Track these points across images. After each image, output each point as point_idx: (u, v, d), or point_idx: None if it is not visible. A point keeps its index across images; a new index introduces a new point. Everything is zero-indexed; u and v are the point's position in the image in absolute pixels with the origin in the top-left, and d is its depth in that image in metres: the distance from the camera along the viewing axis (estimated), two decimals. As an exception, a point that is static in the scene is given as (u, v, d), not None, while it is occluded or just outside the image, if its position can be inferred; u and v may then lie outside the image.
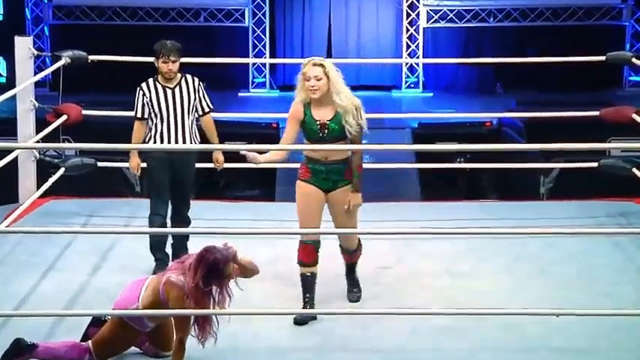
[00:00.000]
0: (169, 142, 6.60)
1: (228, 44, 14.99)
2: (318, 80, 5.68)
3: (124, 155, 10.03)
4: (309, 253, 5.86)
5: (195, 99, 6.69)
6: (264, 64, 15.09)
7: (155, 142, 6.61)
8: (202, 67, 14.07)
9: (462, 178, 11.98)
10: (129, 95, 14.13)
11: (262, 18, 15.10)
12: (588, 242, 7.15)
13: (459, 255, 7.04)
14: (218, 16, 14.98)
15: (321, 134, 5.74)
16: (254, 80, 15.16)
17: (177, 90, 6.65)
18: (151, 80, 6.68)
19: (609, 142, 10.34)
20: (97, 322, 5.34)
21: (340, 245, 6.09)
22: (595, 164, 8.13)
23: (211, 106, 6.79)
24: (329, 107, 5.74)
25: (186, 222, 6.74)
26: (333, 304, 6.06)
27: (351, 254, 6.12)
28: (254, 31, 15.10)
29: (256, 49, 15.08)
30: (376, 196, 8.85)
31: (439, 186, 11.15)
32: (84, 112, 8.30)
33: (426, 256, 7.05)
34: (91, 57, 8.18)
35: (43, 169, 8.18)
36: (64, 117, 8.00)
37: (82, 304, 6.12)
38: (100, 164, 8.16)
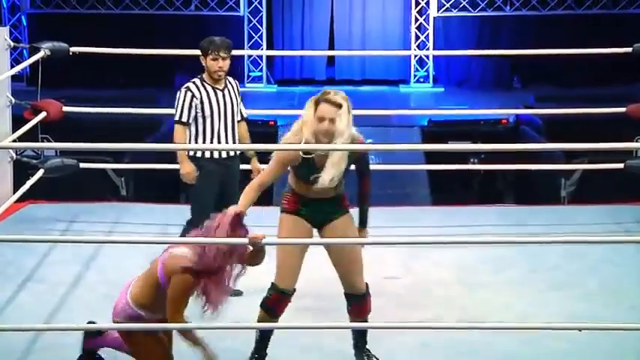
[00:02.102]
0: (223, 154, 6.51)
1: (222, 35, 14.82)
2: (334, 123, 5.20)
3: (108, 156, 10.10)
4: (284, 304, 5.39)
5: (237, 103, 6.63)
6: (260, 57, 15.08)
7: (210, 153, 6.49)
8: (193, 60, 14.17)
9: (475, 181, 11.97)
10: (113, 90, 14.24)
11: (259, 6, 15.09)
12: (613, 250, 7.15)
13: (472, 264, 7.04)
14: (210, 4, 14.98)
15: (312, 181, 5.28)
16: (250, 74, 15.15)
17: (226, 92, 6.58)
18: (197, 80, 6.58)
19: (636, 141, 10.34)
20: (93, 332, 5.29)
21: (345, 293, 5.47)
22: (621, 165, 8.13)
23: (246, 114, 6.77)
24: (331, 154, 5.25)
25: None
26: (334, 316, 6.05)
27: (360, 302, 5.46)
28: (250, 21, 15.10)
29: (252, 41, 15.07)
30: (383, 199, 8.86)
31: (451, 189, 11.14)
32: (64, 108, 8.30)
33: (437, 265, 7.05)
34: (73, 49, 8.18)
35: (20, 171, 8.18)
36: (43, 114, 8.00)
37: (62, 318, 6.11)
38: (82, 165, 8.16)
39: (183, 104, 6.54)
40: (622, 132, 9.30)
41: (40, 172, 7.93)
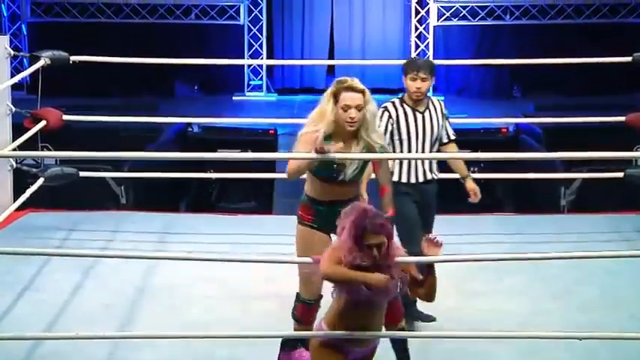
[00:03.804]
0: (417, 175, 6.18)
1: (222, 44, 14.97)
2: (360, 110, 5.16)
3: (108, 164, 10.10)
4: (311, 313, 5.34)
5: (441, 126, 6.23)
6: (260, 66, 15.07)
7: (400, 174, 6.16)
8: (194, 69, 14.20)
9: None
10: (113, 99, 14.22)
11: (259, 15, 15.09)
12: (613, 259, 7.12)
13: (470, 272, 7.02)
14: (211, 13, 14.97)
15: (335, 175, 5.19)
16: (250, 83, 15.14)
17: (427, 114, 6.17)
18: (397, 100, 6.20)
19: (636, 150, 10.33)
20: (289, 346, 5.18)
21: None
22: (621, 174, 8.13)
23: (454, 135, 6.34)
24: (351, 143, 5.21)
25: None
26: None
27: (391, 307, 5.04)
28: (250, 30, 15.10)
29: (252, 49, 15.07)
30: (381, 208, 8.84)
31: (450, 198, 11.11)
32: (64, 117, 8.28)
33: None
34: (73, 57, 8.17)
35: (20, 179, 8.18)
36: (43, 122, 7.99)
37: (62, 326, 6.10)
38: (82, 174, 8.14)
39: (379, 125, 6.03)
40: (622, 141, 9.29)
41: (40, 181, 7.92)
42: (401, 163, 6.19)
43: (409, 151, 6.15)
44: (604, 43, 13.10)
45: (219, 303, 6.56)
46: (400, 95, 6.26)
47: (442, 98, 14.83)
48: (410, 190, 6.17)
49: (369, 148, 5.24)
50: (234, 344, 5.67)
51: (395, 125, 6.14)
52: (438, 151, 6.28)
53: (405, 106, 6.17)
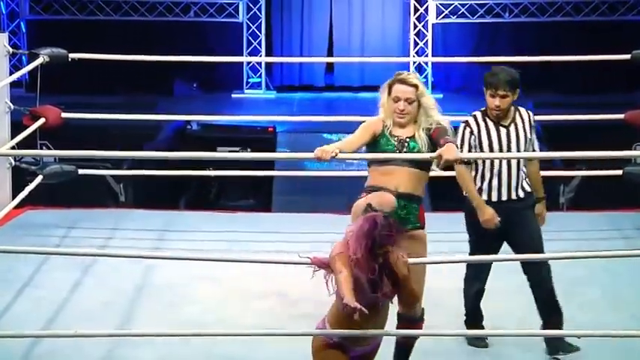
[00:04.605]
0: (500, 193, 5.75)
1: (221, 41, 14.95)
2: (410, 103, 5.22)
3: (107, 162, 10.08)
4: None
5: (529, 140, 5.79)
6: (259, 63, 15.06)
7: (481, 192, 5.76)
8: (193, 67, 14.20)
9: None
10: (112, 96, 14.22)
11: (258, 13, 15.07)
12: (613, 258, 7.12)
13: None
14: (209, 10, 14.96)
15: (398, 151, 5.23)
16: (249, 80, 15.12)
17: (512, 129, 5.74)
18: (479, 114, 5.79)
19: (635, 148, 10.33)
20: None
21: (398, 313, 5.21)
22: (619, 172, 8.12)
23: (539, 148, 5.94)
24: (411, 126, 5.27)
25: (548, 287, 5.91)
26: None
27: (411, 326, 5.26)
28: (249, 27, 15.08)
29: (251, 47, 15.05)
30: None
31: (450, 195, 11.10)
32: (63, 114, 8.27)
33: (436, 272, 7.00)
34: (72, 55, 8.16)
35: (19, 177, 8.17)
36: (42, 120, 7.98)
37: (61, 324, 6.09)
38: (81, 172, 8.13)
39: (462, 141, 5.74)
40: (621, 139, 9.29)
41: (39, 179, 7.91)
42: (482, 180, 5.78)
43: (492, 168, 5.73)
44: (603, 41, 13.09)
45: (217, 301, 6.55)
46: (483, 108, 5.85)
47: (440, 96, 14.92)
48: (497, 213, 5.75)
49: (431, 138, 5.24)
50: (232, 342, 5.66)
51: (477, 140, 5.76)
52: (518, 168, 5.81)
53: (487, 119, 5.77)
